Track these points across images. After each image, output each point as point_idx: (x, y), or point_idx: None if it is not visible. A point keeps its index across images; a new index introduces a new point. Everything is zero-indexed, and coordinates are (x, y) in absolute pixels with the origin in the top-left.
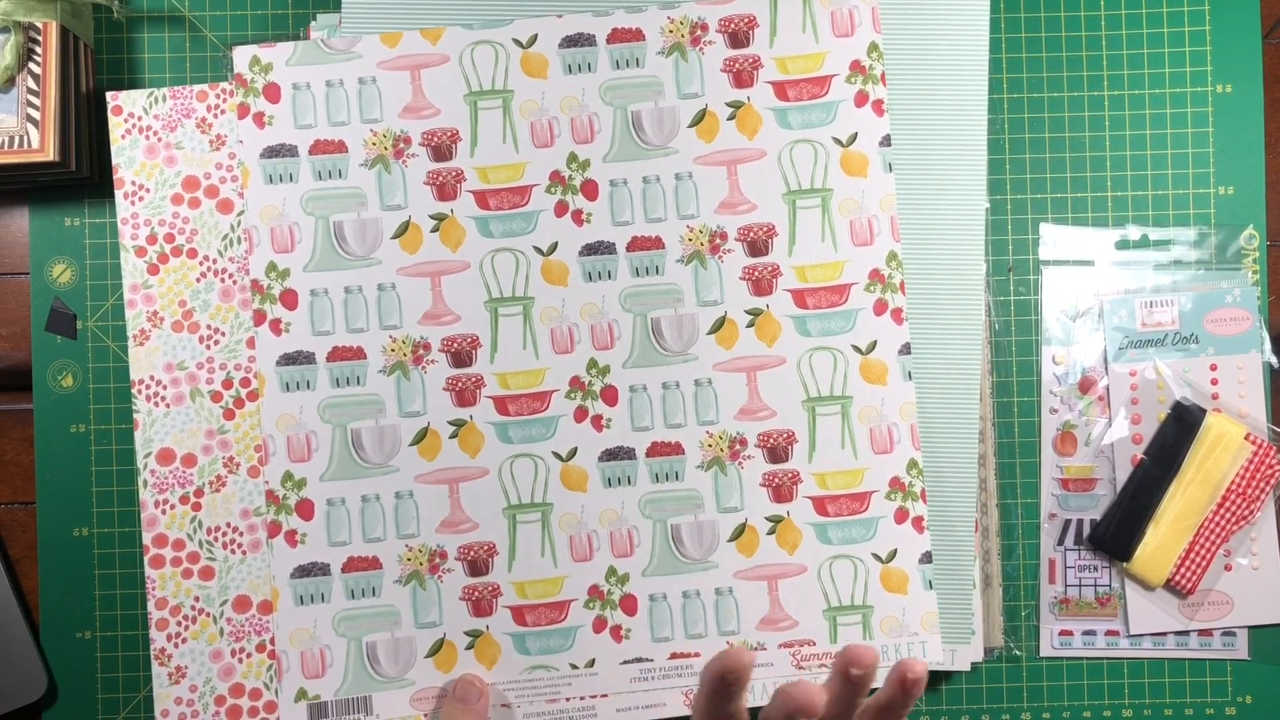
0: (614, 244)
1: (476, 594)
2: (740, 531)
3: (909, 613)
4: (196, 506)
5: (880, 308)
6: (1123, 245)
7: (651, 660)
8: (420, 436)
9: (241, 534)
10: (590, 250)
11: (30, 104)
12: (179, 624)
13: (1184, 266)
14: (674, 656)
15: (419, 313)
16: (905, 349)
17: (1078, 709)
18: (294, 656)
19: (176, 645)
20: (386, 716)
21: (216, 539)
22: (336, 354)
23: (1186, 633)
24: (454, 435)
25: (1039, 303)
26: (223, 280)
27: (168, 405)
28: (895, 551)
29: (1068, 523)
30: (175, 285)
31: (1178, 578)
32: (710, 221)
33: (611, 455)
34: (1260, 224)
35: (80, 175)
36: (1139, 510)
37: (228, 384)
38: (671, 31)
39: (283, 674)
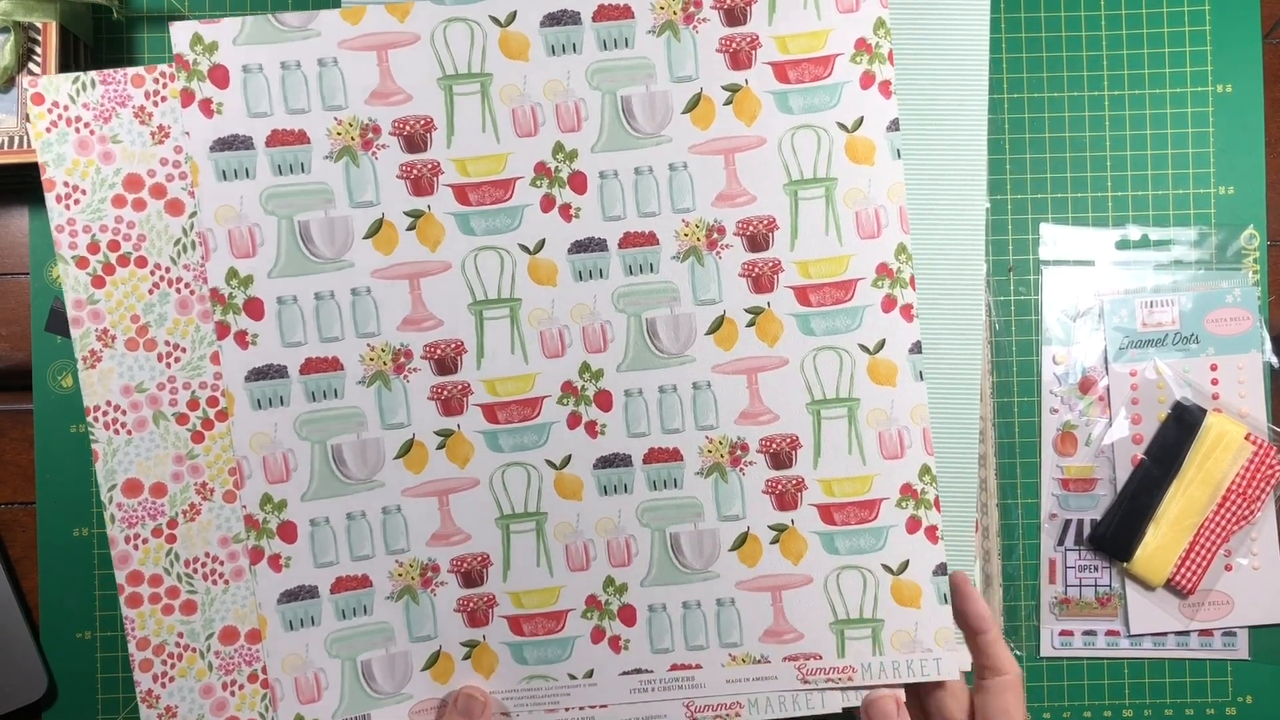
0: (605, 240)
1: (471, 605)
2: (742, 540)
3: (922, 627)
4: (171, 539)
5: (889, 304)
6: (1123, 245)
7: (651, 671)
8: (406, 449)
9: (222, 563)
10: (580, 247)
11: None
12: (164, 663)
13: (1184, 266)
14: (674, 668)
15: (398, 318)
16: (916, 347)
17: (1078, 709)
18: (288, 683)
19: (164, 685)
20: None
21: (195, 571)
22: (310, 366)
23: (1187, 633)
24: (441, 446)
25: (1039, 303)
26: (179, 291)
27: (129, 432)
28: (907, 563)
29: (1068, 523)
30: (125, 299)
31: (1178, 578)
32: (707, 215)
33: (607, 462)
34: (1260, 224)
35: None
36: (1139, 510)
37: (193, 405)
38: (662, 8)
39: (278, 702)
